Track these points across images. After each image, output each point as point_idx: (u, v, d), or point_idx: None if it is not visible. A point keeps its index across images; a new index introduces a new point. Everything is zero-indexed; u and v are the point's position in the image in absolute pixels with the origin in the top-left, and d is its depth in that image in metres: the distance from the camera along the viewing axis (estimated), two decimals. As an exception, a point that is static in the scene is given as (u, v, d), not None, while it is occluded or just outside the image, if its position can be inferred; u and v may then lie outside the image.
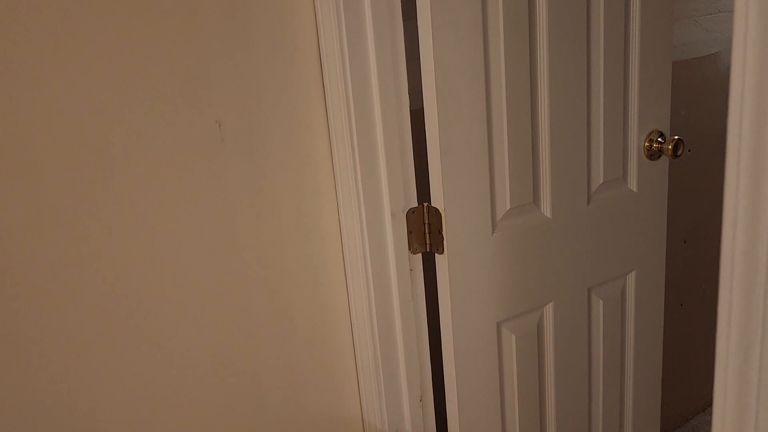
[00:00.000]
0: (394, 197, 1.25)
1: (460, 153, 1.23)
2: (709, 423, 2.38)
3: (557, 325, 1.47)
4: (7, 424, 1.01)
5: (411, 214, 1.28)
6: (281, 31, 1.15)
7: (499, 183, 1.30)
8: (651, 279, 1.62)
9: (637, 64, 1.43)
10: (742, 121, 0.58)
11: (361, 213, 1.23)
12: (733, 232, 0.62)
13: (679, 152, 1.48)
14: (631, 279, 1.58)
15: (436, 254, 1.29)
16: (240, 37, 1.11)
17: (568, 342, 1.50)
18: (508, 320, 1.39)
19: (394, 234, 1.26)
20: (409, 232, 1.28)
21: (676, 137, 1.48)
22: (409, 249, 1.29)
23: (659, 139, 1.49)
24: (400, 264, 1.28)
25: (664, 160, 1.54)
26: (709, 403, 2.45)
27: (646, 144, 1.49)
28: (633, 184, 1.51)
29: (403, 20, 1.20)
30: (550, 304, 1.45)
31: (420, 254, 1.31)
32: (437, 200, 1.25)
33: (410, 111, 1.24)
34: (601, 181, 1.45)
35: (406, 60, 1.22)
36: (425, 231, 1.29)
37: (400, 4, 1.19)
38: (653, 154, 1.50)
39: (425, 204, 1.28)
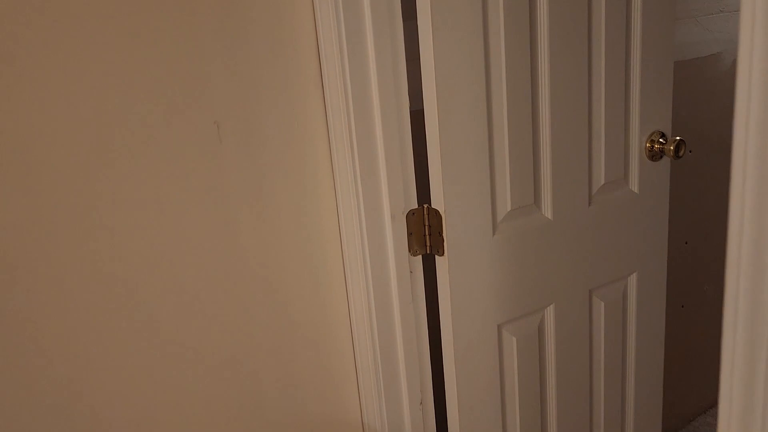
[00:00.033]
0: (394, 198, 1.24)
1: (460, 154, 1.22)
2: (710, 425, 2.37)
3: (558, 328, 1.46)
4: (7, 423, 1.00)
5: (411, 215, 1.27)
6: (280, 31, 1.14)
7: (500, 184, 1.29)
8: (653, 280, 1.61)
9: (638, 64, 1.42)
10: (749, 121, 0.58)
11: (361, 214, 1.22)
12: (740, 229, 0.61)
13: (680, 153, 1.47)
14: (632, 281, 1.57)
15: (436, 256, 1.28)
16: (239, 37, 1.10)
17: (569, 344, 1.49)
18: (508, 322, 1.38)
19: (394, 236, 1.26)
20: (409, 234, 1.27)
21: (678, 138, 1.47)
22: (409, 251, 1.28)
23: (661, 140, 1.48)
24: (400, 266, 1.27)
25: (666, 161, 1.54)
26: (710, 405, 2.44)
27: (648, 145, 1.48)
28: (634, 185, 1.50)
29: (403, 20, 1.19)
30: (551, 306, 1.44)
31: (420, 256, 1.30)
32: (437, 202, 1.24)
33: (410, 112, 1.24)
34: (603, 182, 1.44)
35: (406, 60, 1.21)
36: (425, 233, 1.28)
37: (399, 3, 1.18)
38: (655, 155, 1.50)
39: (425, 205, 1.27)
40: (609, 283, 1.53)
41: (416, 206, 1.27)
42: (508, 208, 1.32)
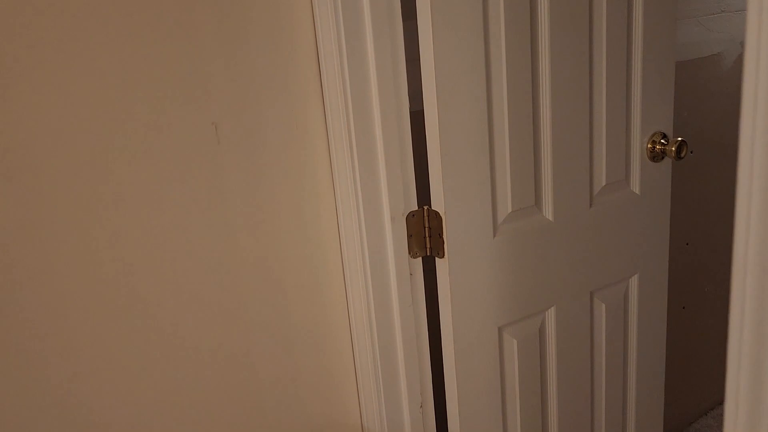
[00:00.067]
0: (394, 200, 1.23)
1: (460, 155, 1.21)
2: (711, 426, 2.36)
3: (559, 330, 1.45)
4: (7, 422, 1.00)
5: (411, 217, 1.26)
6: (279, 31, 1.13)
7: (501, 185, 1.29)
8: (654, 282, 1.60)
9: (639, 65, 1.41)
10: (756, 120, 0.57)
11: (361, 216, 1.21)
12: (746, 227, 0.61)
13: (682, 154, 1.46)
14: (633, 282, 1.56)
15: (436, 258, 1.27)
16: (238, 37, 1.10)
17: (570, 346, 1.48)
18: (509, 325, 1.38)
19: (393, 238, 1.25)
20: (409, 236, 1.26)
21: (680, 139, 1.47)
22: (409, 253, 1.27)
23: (662, 141, 1.48)
24: (400, 268, 1.27)
25: (667, 162, 1.53)
26: (711, 407, 2.44)
27: (649, 146, 1.47)
28: (636, 187, 1.49)
29: (403, 20, 1.18)
30: (552, 308, 1.43)
31: (420, 258, 1.29)
32: (437, 203, 1.23)
33: (410, 113, 1.23)
34: (604, 184, 1.44)
35: (406, 61, 1.20)
36: (425, 234, 1.27)
37: (399, 3, 1.17)
38: (656, 156, 1.49)
39: (425, 207, 1.26)
40: (610, 284, 1.52)
41: (416, 208, 1.27)
42: (509, 210, 1.31)
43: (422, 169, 1.25)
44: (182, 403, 1.16)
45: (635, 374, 1.64)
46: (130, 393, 1.10)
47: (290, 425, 1.29)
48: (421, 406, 1.37)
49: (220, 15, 1.07)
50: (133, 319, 1.08)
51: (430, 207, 1.25)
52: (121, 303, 1.06)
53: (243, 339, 1.20)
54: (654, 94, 1.45)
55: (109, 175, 1.02)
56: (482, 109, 1.22)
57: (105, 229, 1.03)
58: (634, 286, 1.57)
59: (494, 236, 1.30)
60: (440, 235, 1.24)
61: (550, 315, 1.43)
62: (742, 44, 2.09)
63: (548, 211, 1.36)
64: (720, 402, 2.46)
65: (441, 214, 1.23)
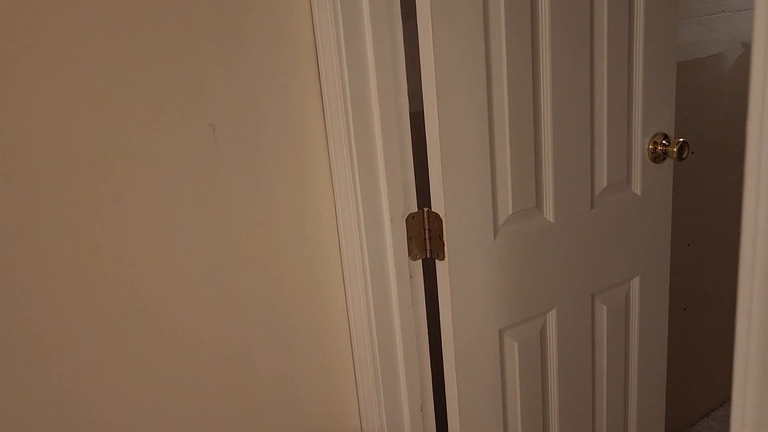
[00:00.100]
0: (394, 202, 1.22)
1: (461, 156, 1.20)
2: (712, 428, 2.35)
3: (560, 332, 1.44)
4: (8, 422, 1.00)
5: (411, 219, 1.25)
6: (278, 32, 1.12)
7: (501, 187, 1.27)
8: (656, 284, 1.59)
9: (641, 65, 1.40)
10: (763, 120, 0.56)
11: (360, 218, 1.20)
12: (754, 226, 0.59)
13: (684, 155, 1.45)
14: (635, 284, 1.56)
15: (436, 260, 1.26)
16: (237, 38, 1.09)
17: (571, 349, 1.47)
18: (510, 327, 1.36)
19: (393, 240, 1.23)
20: (409, 238, 1.25)
21: (681, 139, 1.46)
22: (409, 255, 1.26)
23: (664, 142, 1.47)
24: (399, 271, 1.25)
25: (669, 163, 1.52)
26: (712, 408, 2.43)
27: (651, 146, 1.46)
28: (637, 188, 1.48)
29: (403, 20, 1.17)
30: (553, 310, 1.42)
31: (420, 260, 1.28)
32: (438, 205, 1.22)
33: (410, 114, 1.22)
34: (605, 185, 1.43)
35: (406, 61, 1.19)
36: (425, 236, 1.26)
37: (399, 3, 1.16)
38: (657, 157, 1.48)
39: (425, 209, 1.25)
40: (611, 286, 1.51)
41: (416, 210, 1.25)
42: (510, 212, 1.30)
43: (422, 170, 1.23)
44: (182, 404, 1.15)
45: (636, 377, 1.63)
46: (130, 393, 1.09)
47: (289, 427, 1.28)
48: (421, 409, 1.36)
49: (219, 15, 1.06)
50: (133, 320, 1.07)
51: (430, 209, 1.24)
52: (121, 303, 1.06)
53: (242, 340, 1.19)
54: (655, 94, 1.44)
55: (109, 175, 1.01)
56: (483, 109, 1.21)
57: (104, 229, 1.02)
58: (636, 288, 1.56)
59: (495, 238, 1.29)
60: (440, 237, 1.23)
61: (551, 317, 1.42)
62: (743, 44, 2.08)
63: (549, 213, 1.35)
64: (721, 403, 2.45)
65: (441, 216, 1.22)
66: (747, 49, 2.10)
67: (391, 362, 1.30)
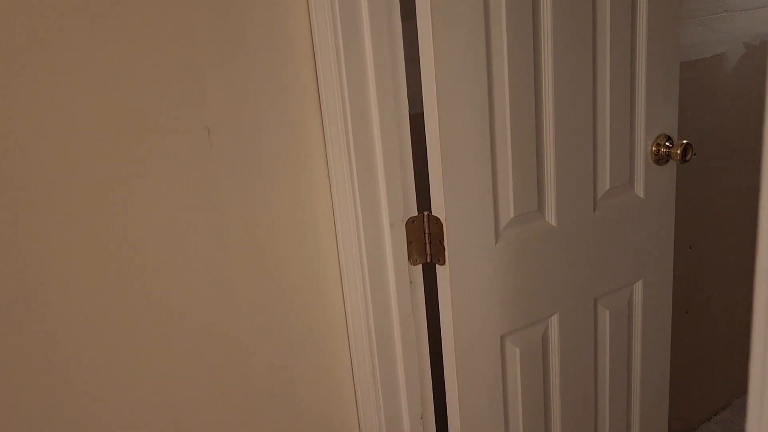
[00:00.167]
0: (393, 206, 1.20)
1: (461, 159, 1.18)
2: (714, 432, 2.34)
3: (563, 337, 1.42)
4: (8, 422, 1.00)
5: (411, 223, 1.22)
6: (276, 33, 1.10)
7: (502, 190, 1.25)
8: (659, 288, 1.57)
9: (644, 66, 1.38)
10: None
11: (359, 222, 1.18)
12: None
13: (687, 157, 1.43)
14: (638, 288, 1.53)
15: (437, 265, 1.24)
16: (235, 39, 1.07)
17: (573, 354, 1.45)
18: (512, 333, 1.34)
19: (393, 244, 1.21)
20: (409, 243, 1.23)
21: (685, 141, 1.44)
22: (409, 260, 1.24)
23: (667, 144, 1.44)
24: (399, 276, 1.23)
25: (672, 165, 1.50)
26: (714, 412, 2.41)
27: (654, 148, 1.44)
28: (640, 190, 1.46)
29: (402, 20, 1.15)
30: (555, 315, 1.40)
31: (420, 265, 1.26)
32: (438, 209, 1.20)
33: (409, 115, 1.19)
34: (608, 188, 1.40)
35: (405, 62, 1.17)
36: (426, 241, 1.24)
37: (398, 3, 1.14)
38: (661, 159, 1.45)
39: (426, 213, 1.23)
40: (614, 290, 1.49)
41: (416, 214, 1.23)
42: (511, 215, 1.27)
43: (422, 173, 1.21)
44: (181, 404, 1.14)
45: (639, 380, 1.61)
46: (130, 393, 1.09)
47: (287, 436, 1.26)
48: (421, 417, 1.33)
49: (217, 16, 1.05)
50: (133, 320, 1.07)
51: (431, 213, 1.22)
52: (121, 304, 1.05)
53: (242, 341, 1.18)
54: (658, 95, 1.42)
55: (109, 175, 1.00)
56: (484, 111, 1.19)
57: (101, 231, 1.02)
58: (639, 292, 1.54)
59: (496, 242, 1.26)
60: (441, 241, 1.20)
61: (554, 322, 1.40)
62: (745, 44, 2.06)
63: (551, 216, 1.33)
64: (724, 407, 2.43)
65: (441, 220, 1.19)
66: (749, 49, 2.08)
67: (390, 369, 1.28)
